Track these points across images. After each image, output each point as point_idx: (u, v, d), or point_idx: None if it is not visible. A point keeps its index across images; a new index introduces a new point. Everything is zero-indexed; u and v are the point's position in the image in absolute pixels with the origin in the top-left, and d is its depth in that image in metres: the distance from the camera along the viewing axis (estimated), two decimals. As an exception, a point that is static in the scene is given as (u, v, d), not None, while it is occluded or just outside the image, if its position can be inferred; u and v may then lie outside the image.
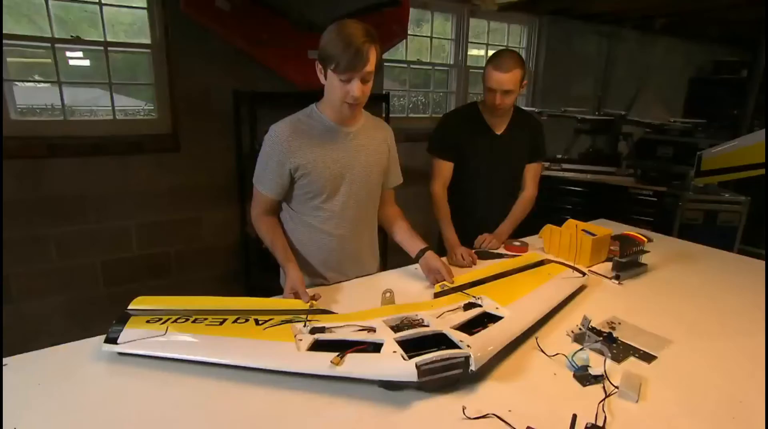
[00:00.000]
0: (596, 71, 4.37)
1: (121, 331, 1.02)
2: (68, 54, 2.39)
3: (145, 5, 2.46)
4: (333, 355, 0.91)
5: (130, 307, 1.13)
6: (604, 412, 0.83)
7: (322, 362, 0.90)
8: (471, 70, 3.79)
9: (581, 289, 1.39)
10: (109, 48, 2.42)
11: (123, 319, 1.07)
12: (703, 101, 5.24)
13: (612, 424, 0.81)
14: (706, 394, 0.92)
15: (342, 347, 0.96)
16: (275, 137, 1.34)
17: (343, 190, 1.40)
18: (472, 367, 0.88)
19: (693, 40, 4.96)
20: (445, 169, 1.86)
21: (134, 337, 1.00)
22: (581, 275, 1.43)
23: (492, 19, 3.81)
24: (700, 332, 1.16)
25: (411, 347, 0.95)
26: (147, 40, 2.49)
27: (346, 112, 1.31)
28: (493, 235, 1.79)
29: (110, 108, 2.49)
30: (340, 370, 0.88)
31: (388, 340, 0.96)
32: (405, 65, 3.51)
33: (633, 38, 4.43)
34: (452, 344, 0.95)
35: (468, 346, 0.91)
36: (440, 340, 0.99)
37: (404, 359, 0.87)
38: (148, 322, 1.06)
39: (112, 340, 0.99)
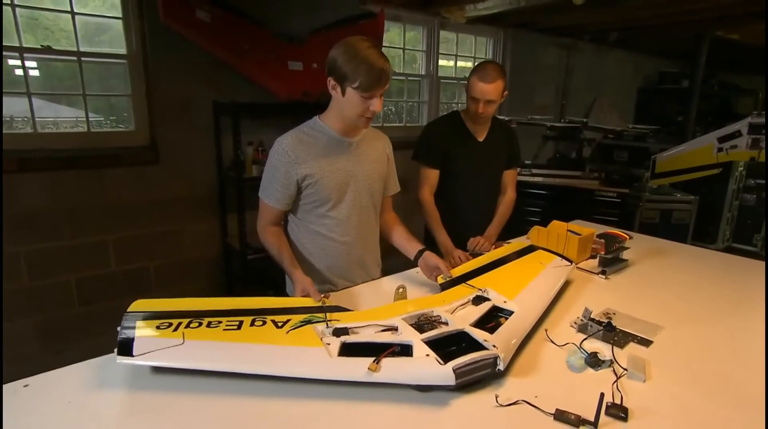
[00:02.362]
0: (557, 81, 4.63)
1: (132, 337, 0.97)
2: (11, 62, 2.22)
3: (120, 15, 2.40)
4: (366, 360, 0.93)
5: (129, 310, 1.08)
6: (619, 391, 0.92)
7: (359, 369, 0.92)
8: (441, 80, 3.93)
9: (567, 283, 1.49)
10: (82, 58, 2.35)
11: (129, 323, 1.02)
12: (651, 109, 5.66)
13: (627, 401, 0.89)
14: (700, 371, 1.03)
15: (370, 349, 0.99)
16: (282, 149, 1.37)
17: (348, 198, 1.45)
18: (500, 367, 0.95)
19: (641, 52, 5.37)
20: (432, 177, 1.94)
21: (150, 347, 0.95)
22: (569, 263, 1.54)
23: (460, 32, 3.97)
24: (685, 318, 1.28)
25: (435, 346, 1.00)
26: (115, 50, 2.43)
27: (361, 125, 1.38)
28: (484, 238, 1.88)
29: (63, 120, 2.38)
30: (378, 377, 0.90)
31: (417, 341, 1.00)
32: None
33: (589, 50, 4.73)
34: (475, 343, 1.01)
35: (494, 346, 0.97)
36: (461, 338, 1.06)
37: (440, 363, 0.91)
38: (158, 327, 1.02)
39: (125, 351, 0.93)
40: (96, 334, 2.43)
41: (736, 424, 0.86)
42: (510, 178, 2.08)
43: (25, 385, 0.92)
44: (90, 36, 2.37)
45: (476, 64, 1.86)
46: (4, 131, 2.24)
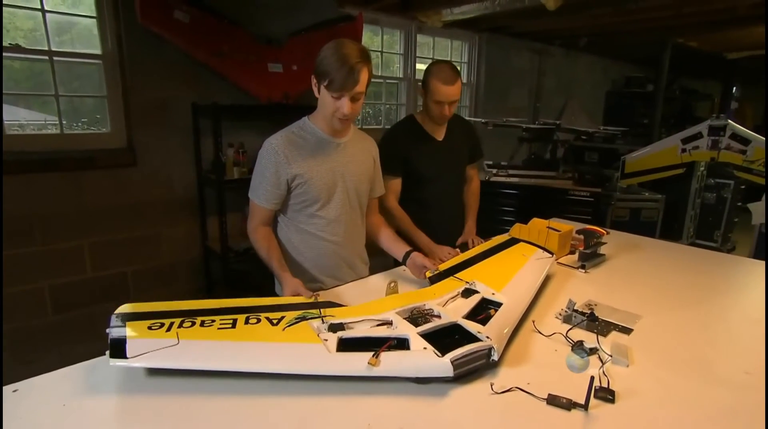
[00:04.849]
0: (530, 84, 4.77)
1: (123, 336, 0.95)
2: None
3: (93, 14, 2.35)
4: (365, 354, 0.95)
5: (117, 312, 1.05)
6: (605, 375, 0.97)
7: (359, 363, 0.93)
8: (419, 83, 3.99)
9: (550, 277, 1.55)
10: (54, 57, 2.28)
11: (118, 322, 1.00)
12: (618, 111, 5.90)
13: (613, 384, 0.94)
14: (677, 355, 1.09)
15: (368, 344, 1.01)
16: (271, 149, 1.37)
17: (337, 198, 1.46)
18: (494, 357, 0.98)
19: (609, 57, 5.59)
20: (395, 185, 1.88)
21: (144, 349, 0.92)
22: (550, 255, 1.60)
23: (437, 35, 4.04)
24: (661, 307, 1.36)
25: (430, 338, 1.02)
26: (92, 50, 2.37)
27: (336, 126, 1.38)
28: (468, 233, 1.92)
29: (29, 122, 2.31)
30: (378, 371, 0.92)
31: (413, 335, 1.02)
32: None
33: (560, 54, 4.90)
34: (469, 335, 1.04)
35: (488, 337, 1.01)
36: (454, 330, 1.09)
37: (438, 356, 0.94)
38: (150, 328, 1.00)
39: (118, 353, 0.91)
40: (71, 343, 2.35)
41: (713, 400, 0.92)
42: (474, 169, 2.11)
43: (15, 390, 0.90)
44: (51, 35, 2.28)
45: (430, 66, 1.81)
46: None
